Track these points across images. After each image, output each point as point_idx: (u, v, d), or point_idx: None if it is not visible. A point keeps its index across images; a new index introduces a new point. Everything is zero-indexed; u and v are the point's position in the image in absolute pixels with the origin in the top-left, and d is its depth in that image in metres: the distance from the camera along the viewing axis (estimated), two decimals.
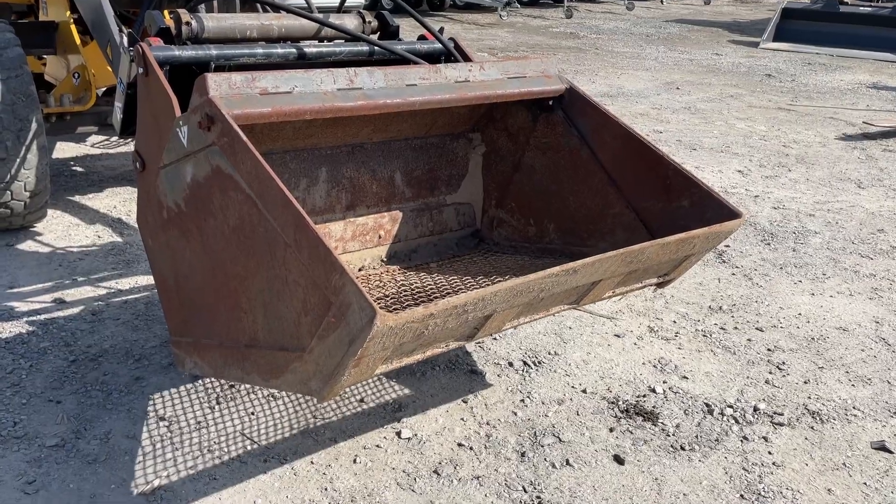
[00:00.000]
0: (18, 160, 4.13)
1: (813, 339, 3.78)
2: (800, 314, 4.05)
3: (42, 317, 3.62)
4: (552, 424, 2.98)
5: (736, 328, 3.86)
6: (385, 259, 3.31)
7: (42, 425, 2.84)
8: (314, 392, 2.07)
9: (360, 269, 3.22)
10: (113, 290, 3.92)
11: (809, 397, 3.26)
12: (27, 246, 4.41)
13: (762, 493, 2.65)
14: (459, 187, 3.57)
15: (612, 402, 3.15)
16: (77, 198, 5.22)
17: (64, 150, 6.22)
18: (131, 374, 3.18)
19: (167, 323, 2.76)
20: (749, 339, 3.74)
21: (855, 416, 3.15)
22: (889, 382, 3.40)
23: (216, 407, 2.98)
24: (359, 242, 3.26)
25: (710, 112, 8.75)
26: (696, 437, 2.95)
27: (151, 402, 3.00)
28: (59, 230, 4.66)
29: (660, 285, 2.92)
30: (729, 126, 8.12)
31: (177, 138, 2.46)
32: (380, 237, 3.32)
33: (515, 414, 3.04)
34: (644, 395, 3.21)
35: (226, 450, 2.74)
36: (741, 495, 2.64)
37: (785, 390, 3.31)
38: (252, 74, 2.40)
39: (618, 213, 3.02)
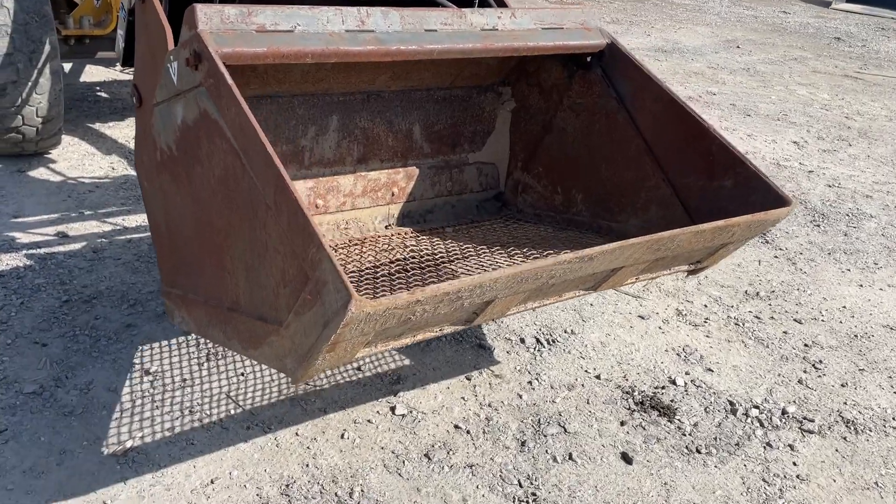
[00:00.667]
0: (30, 84, 3.95)
1: (856, 336, 3.48)
2: (844, 307, 3.73)
3: (42, 251, 3.49)
4: (559, 412, 2.77)
5: (772, 318, 3.57)
6: (397, 218, 3.08)
7: (23, 369, 2.72)
8: (289, 371, 1.88)
9: (385, 228, 2.99)
10: (118, 228, 3.76)
11: (845, 403, 2.99)
12: (38, 173, 4.28)
13: None
14: (484, 145, 3.30)
15: (627, 392, 2.91)
16: (97, 125, 5.06)
17: (92, 73, 6.06)
18: (123, 320, 3.03)
19: (160, 271, 2.59)
20: (785, 332, 3.46)
21: (894, 428, 2.88)
22: None
23: (205, 364, 2.82)
24: (369, 199, 3.03)
25: (769, 75, 8.22)
26: (715, 438, 2.71)
27: (139, 353, 2.85)
28: (73, 158, 4.51)
29: (691, 272, 2.65)
30: (789, 91, 7.62)
31: (168, 75, 2.25)
32: (393, 194, 3.09)
33: (521, 397, 2.83)
34: (663, 387, 2.97)
35: (208, 412, 2.59)
36: None
37: (819, 393, 3.03)
38: (249, 8, 2.15)
39: (653, 186, 2.73)
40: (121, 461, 2.36)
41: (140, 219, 3.87)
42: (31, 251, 3.48)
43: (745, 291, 3.79)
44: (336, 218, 2.97)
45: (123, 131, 5.00)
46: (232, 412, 2.60)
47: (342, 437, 2.54)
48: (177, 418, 2.55)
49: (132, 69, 2.86)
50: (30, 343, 2.85)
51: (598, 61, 2.86)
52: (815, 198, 5.03)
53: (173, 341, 2.93)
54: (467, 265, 2.67)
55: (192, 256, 2.38)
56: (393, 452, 2.50)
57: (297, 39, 2.19)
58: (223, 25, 2.10)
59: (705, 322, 3.48)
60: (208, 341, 2.93)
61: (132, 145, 4.78)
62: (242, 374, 2.78)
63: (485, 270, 2.57)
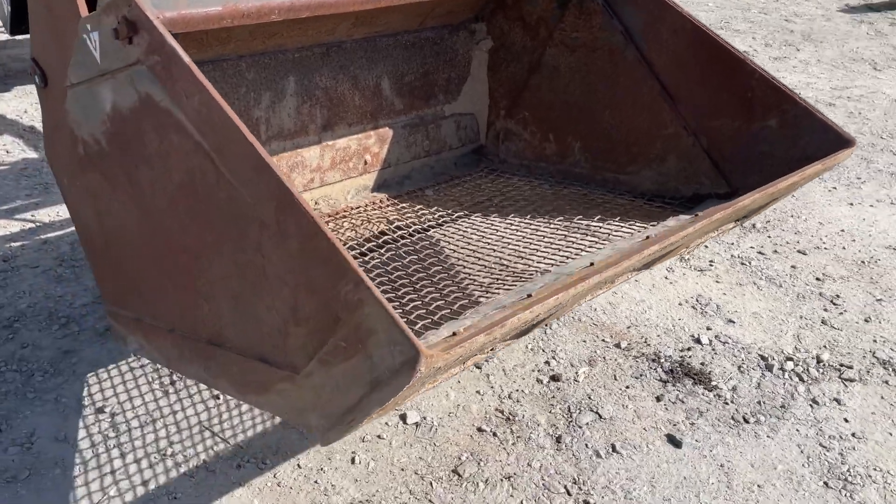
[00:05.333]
0: None
1: (863, 262, 3.29)
2: (842, 230, 3.54)
3: None
4: (587, 395, 2.46)
5: (776, 252, 3.34)
6: (371, 190, 2.64)
7: None
8: (314, 429, 1.47)
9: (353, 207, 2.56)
10: (29, 227, 3.18)
11: (875, 341, 2.80)
12: None
13: (849, 479, 2.20)
14: (460, 94, 2.86)
15: (654, 360, 2.63)
16: None
17: None
18: (58, 345, 2.52)
19: (98, 286, 2.11)
20: (793, 267, 3.23)
21: None
22: None
23: (170, 391, 2.36)
24: (340, 171, 2.58)
25: None
26: (759, 403, 2.46)
27: (86, 387, 2.37)
28: None
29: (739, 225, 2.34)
30: None
31: (86, 49, 1.73)
32: (366, 163, 2.64)
33: (541, 382, 2.50)
34: (688, 349, 2.70)
35: (187, 453, 2.16)
36: (825, 483, 2.19)
37: (846, 333, 2.83)
38: None
39: (671, 134, 2.38)
40: None
41: (54, 212, 3.29)
42: None
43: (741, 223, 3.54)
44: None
45: (11, 104, 4.28)
46: (215, 448, 2.18)
47: (353, 461, 2.16)
48: (151, 465, 2.11)
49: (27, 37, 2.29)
50: None
51: None
52: None
53: (124, 366, 2.45)
54: (465, 228, 2.29)
55: (145, 275, 1.91)
56: (416, 473, 2.14)
57: None
58: None
59: (711, 266, 3.21)
60: None
61: (25, 121, 4.10)
62: (218, 398, 2.35)
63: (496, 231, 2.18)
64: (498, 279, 1.90)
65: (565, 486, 2.12)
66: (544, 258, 2.05)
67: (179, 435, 2.21)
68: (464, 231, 2.33)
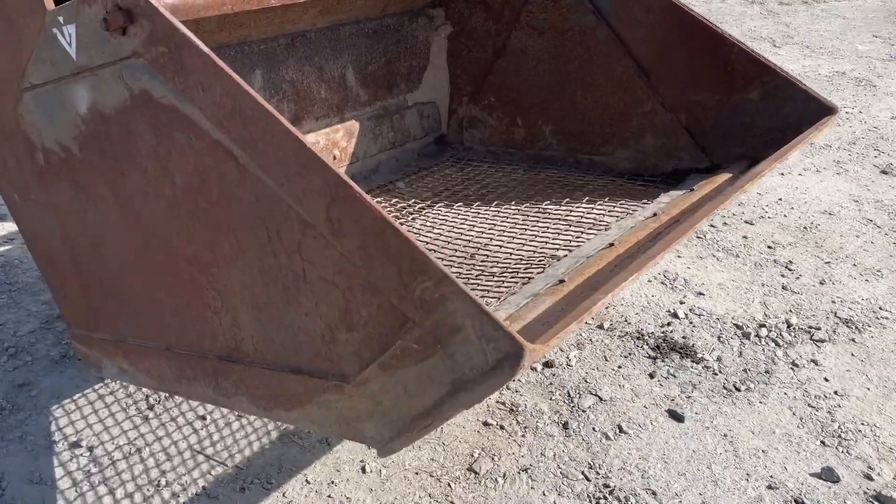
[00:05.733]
0: None
1: (805, 228, 3.44)
2: (780, 199, 3.69)
3: None
4: (583, 378, 2.44)
5: (725, 224, 3.44)
6: None
7: None
8: (370, 440, 1.37)
9: None
10: None
11: (833, 302, 2.92)
12: None
13: (842, 436, 2.28)
14: (421, 82, 2.78)
15: (638, 338, 2.64)
16: None
17: None
18: (10, 378, 2.28)
19: (60, 308, 1.94)
20: (745, 237, 3.34)
21: (885, 318, 2.85)
22: None
23: (150, 415, 2.18)
24: None
25: None
26: (745, 371, 2.52)
27: (53, 421, 2.15)
28: None
29: None
30: None
31: (55, 44, 1.57)
32: (335, 158, 2.52)
33: (535, 370, 2.47)
34: (668, 324, 2.73)
35: (184, 480, 1.99)
36: (822, 441, 2.26)
37: (807, 297, 2.94)
38: None
39: (648, 111, 2.39)
40: None
41: None
42: None
43: None
44: None
45: None
46: (213, 472, 2.02)
47: (363, 471, 2.06)
48: (146, 499, 1.93)
49: None
50: None
51: None
52: None
53: (92, 394, 2.24)
54: (451, 219, 2.22)
55: (129, 291, 1.75)
56: (432, 475, 2.06)
57: None
58: None
59: None
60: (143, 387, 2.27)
61: None
62: (205, 418, 2.18)
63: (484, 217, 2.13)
64: (513, 268, 1.84)
65: (583, 472, 2.09)
66: (549, 241, 2.01)
67: (170, 463, 2.03)
68: (451, 222, 2.26)
